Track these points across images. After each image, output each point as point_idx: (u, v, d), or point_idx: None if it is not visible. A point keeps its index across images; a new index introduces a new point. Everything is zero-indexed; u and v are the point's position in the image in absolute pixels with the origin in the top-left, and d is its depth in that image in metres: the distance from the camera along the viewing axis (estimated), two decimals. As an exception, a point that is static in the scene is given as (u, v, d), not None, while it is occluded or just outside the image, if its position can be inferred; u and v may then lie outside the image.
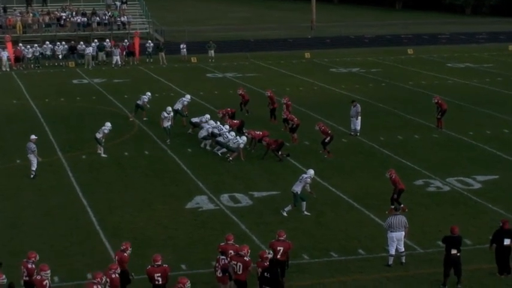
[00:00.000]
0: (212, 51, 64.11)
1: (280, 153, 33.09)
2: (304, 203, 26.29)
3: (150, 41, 65.88)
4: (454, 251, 20.40)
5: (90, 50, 61.61)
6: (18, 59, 60.82)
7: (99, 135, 34.18)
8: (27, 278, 18.45)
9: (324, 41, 76.22)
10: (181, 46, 64.84)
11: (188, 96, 41.02)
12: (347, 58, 65.19)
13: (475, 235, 23.94)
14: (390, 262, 21.93)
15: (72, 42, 64.51)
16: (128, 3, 78.38)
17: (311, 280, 20.50)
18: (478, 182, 29.64)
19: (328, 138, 33.85)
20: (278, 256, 20.01)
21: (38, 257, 18.98)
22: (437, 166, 31.78)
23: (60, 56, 61.98)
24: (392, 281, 21.00)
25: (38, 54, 61.19)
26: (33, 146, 30.77)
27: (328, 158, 33.42)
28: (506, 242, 21.00)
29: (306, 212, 26.15)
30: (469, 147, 35.20)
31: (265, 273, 18.61)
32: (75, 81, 54.45)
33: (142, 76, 56.61)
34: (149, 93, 42.22)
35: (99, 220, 25.76)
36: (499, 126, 38.74)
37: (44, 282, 17.73)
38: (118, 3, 76.67)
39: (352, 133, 37.09)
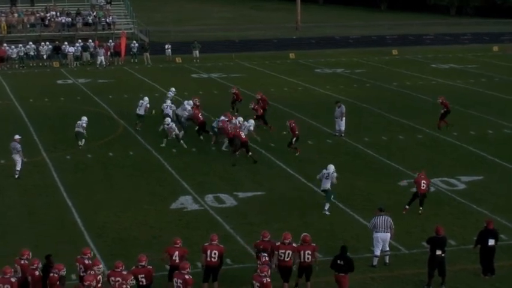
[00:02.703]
0: (197, 52, 64.04)
1: (249, 154, 32.91)
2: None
3: (135, 41, 65.73)
4: (438, 252, 20.46)
5: (72, 50, 61.40)
6: (3, 59, 60.53)
7: (80, 130, 34.96)
8: (84, 274, 18.55)
9: (308, 41, 76.38)
10: (166, 46, 64.74)
11: (173, 89, 42.35)
12: (332, 59, 65.28)
13: (459, 235, 24.03)
14: (375, 263, 21.98)
15: (57, 42, 64.28)
16: (113, 3, 78.32)
17: (296, 280, 20.47)
18: (463, 183, 29.74)
19: (294, 139, 33.89)
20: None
21: (92, 254, 19.55)
22: (422, 167, 31.78)
23: (44, 56, 61.78)
24: (377, 281, 21.05)
25: (22, 54, 60.98)
26: (18, 145, 30.74)
27: (298, 154, 33.61)
28: (491, 242, 21.08)
29: (327, 212, 26.47)
30: (453, 148, 35.32)
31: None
32: (59, 82, 54.28)
33: (127, 76, 56.50)
34: (173, 89, 42.78)
35: (83, 220, 25.69)
36: (483, 127, 38.89)
37: (98, 278, 17.99)
38: (103, 4, 76.53)
39: (337, 134, 37.14)
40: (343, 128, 37.07)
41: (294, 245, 19.93)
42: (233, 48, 70.88)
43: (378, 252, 22.00)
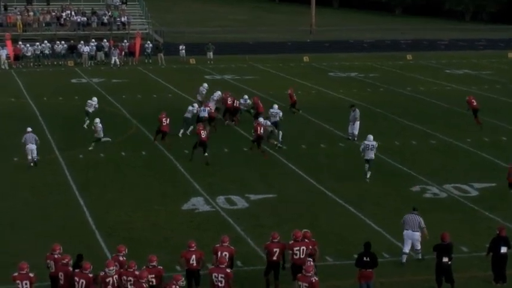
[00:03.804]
0: (211, 53, 64.09)
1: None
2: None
3: (149, 42, 65.84)
4: (445, 259, 20.35)
5: (87, 49, 61.59)
6: (18, 57, 60.77)
7: (89, 109, 38.92)
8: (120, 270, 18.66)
9: (322, 45, 76.28)
10: (180, 47, 64.83)
11: (206, 85, 43.75)
12: (345, 62, 65.21)
13: (471, 242, 23.92)
14: (403, 260, 22.30)
15: (72, 41, 64.48)
16: (128, 3, 78.42)
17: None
18: (475, 189, 29.62)
19: (255, 137, 34.05)
20: (274, 258, 20.02)
21: (126, 251, 19.47)
22: (435, 172, 31.76)
23: (59, 55, 61.96)
24: (387, 286, 20.97)
25: (38, 52, 61.20)
26: (35, 136, 32.33)
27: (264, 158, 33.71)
28: (503, 249, 20.96)
29: (368, 180, 30.42)
30: (466, 154, 35.20)
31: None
32: (74, 81, 54.42)
33: (141, 77, 56.58)
34: (206, 85, 43.93)
35: (95, 219, 25.73)
36: (497, 134, 38.75)
37: (107, 280, 18.05)
38: (118, 4, 76.68)
39: (350, 137, 37.07)
40: (356, 132, 37.00)
41: (307, 240, 20.05)
42: (247, 50, 70.88)
43: (405, 250, 22.30)
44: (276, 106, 37.57)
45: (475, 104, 40.43)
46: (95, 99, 39.74)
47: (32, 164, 31.90)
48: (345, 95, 48.96)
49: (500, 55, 71.51)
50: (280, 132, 36.49)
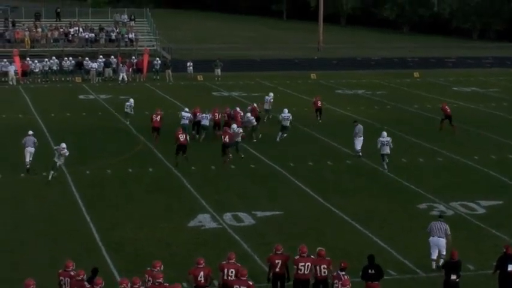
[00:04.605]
0: (219, 70, 64.19)
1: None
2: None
3: (157, 59, 66.05)
4: (453, 277, 20.33)
5: (95, 66, 61.81)
6: (25, 73, 61.01)
7: (128, 110, 43.35)
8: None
9: (330, 62, 76.38)
10: (188, 64, 65.01)
11: (271, 94, 46.80)
12: (353, 80, 65.27)
13: (477, 260, 23.86)
14: (433, 266, 22.88)
15: (80, 57, 64.73)
16: (136, 20, 78.76)
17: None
18: (482, 207, 29.57)
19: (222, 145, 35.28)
20: (277, 269, 20.05)
21: (162, 266, 19.47)
22: (441, 190, 31.72)
23: (67, 71, 62.17)
24: (394, 303, 20.94)
25: (46, 68, 61.45)
26: (34, 139, 33.70)
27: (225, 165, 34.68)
28: (510, 267, 20.88)
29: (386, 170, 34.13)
30: (473, 172, 35.15)
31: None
32: (81, 97, 54.58)
33: (149, 93, 56.70)
34: (272, 94, 46.94)
35: (101, 235, 25.74)
36: (504, 151, 38.70)
37: None
38: (126, 20, 77.03)
39: (359, 154, 37.03)
40: (358, 147, 37.04)
41: (312, 257, 20.03)
42: (254, 67, 71.03)
43: (433, 256, 22.96)
44: (286, 110, 40.53)
45: (449, 111, 43.35)
46: (131, 100, 44.51)
47: (28, 166, 33.05)
48: (352, 112, 48.98)
49: (508, 73, 71.54)
50: (285, 134, 39.97)
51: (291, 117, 40.29)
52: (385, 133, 35.30)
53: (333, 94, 57.41)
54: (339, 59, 78.07)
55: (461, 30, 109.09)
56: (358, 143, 37.08)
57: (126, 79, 60.92)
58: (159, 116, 39.54)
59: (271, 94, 46.88)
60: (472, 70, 73.86)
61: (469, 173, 34.92)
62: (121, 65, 62.00)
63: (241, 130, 37.00)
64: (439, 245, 22.99)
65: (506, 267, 20.88)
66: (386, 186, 32.38)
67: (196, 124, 40.49)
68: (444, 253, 22.92)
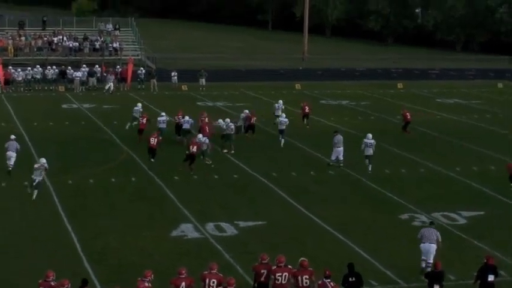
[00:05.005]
0: (203, 80, 64.20)
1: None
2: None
3: (142, 68, 66.00)
4: (436, 287, 20.42)
5: (79, 75, 61.68)
6: (8, 81, 60.80)
7: (136, 115, 43.73)
8: None
9: (315, 72, 76.55)
10: (172, 74, 65.01)
11: (281, 101, 49.23)
12: (337, 90, 65.47)
13: (459, 270, 23.93)
14: (423, 265, 23.37)
15: (63, 66, 64.60)
16: (121, 29, 78.67)
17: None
18: (464, 218, 29.69)
19: (187, 155, 35.49)
20: (262, 279, 20.06)
21: (152, 276, 19.60)
22: (423, 201, 31.84)
23: (50, 80, 62.02)
24: (375, 314, 20.98)
25: (30, 77, 61.27)
26: (17, 144, 34.41)
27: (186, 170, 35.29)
28: (490, 278, 21.01)
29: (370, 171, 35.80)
30: (455, 183, 35.30)
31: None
32: (64, 106, 54.48)
33: (132, 103, 56.42)
34: (281, 101, 49.38)
35: (83, 245, 25.65)
36: (486, 163, 38.89)
37: None
38: (110, 30, 76.95)
39: (332, 163, 37.28)
40: (340, 157, 37.31)
41: (290, 267, 20.02)
42: (239, 78, 71.11)
43: (424, 258, 23.50)
44: (284, 115, 43.40)
45: (409, 118, 46.08)
46: (139, 104, 46.20)
47: (9, 168, 33.91)
48: (336, 122, 49.10)
49: (490, 85, 71.97)
50: (283, 139, 41.88)
51: (287, 121, 42.68)
52: (370, 135, 36.86)
53: (317, 104, 57.49)
54: (324, 70, 78.27)
55: (445, 42, 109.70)
56: (335, 153, 37.27)
57: (112, 88, 60.81)
58: (145, 119, 41.91)
59: (281, 101, 49.20)
60: (455, 82, 74.27)
61: (451, 184, 35.08)
62: (109, 74, 61.95)
63: (207, 140, 37.31)
64: (429, 252, 23.41)
65: (487, 278, 20.99)
66: (368, 197, 32.49)
67: (178, 128, 41.89)
68: (431, 261, 23.09)
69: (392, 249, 25.93)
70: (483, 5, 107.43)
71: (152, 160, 35.92)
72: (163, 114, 43.08)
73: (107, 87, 60.70)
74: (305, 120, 48.01)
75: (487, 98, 63.80)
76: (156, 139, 36.37)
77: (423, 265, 23.46)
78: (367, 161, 36.36)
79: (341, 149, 37.18)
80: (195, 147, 35.60)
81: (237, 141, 41.18)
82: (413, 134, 46.13)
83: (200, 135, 37.48)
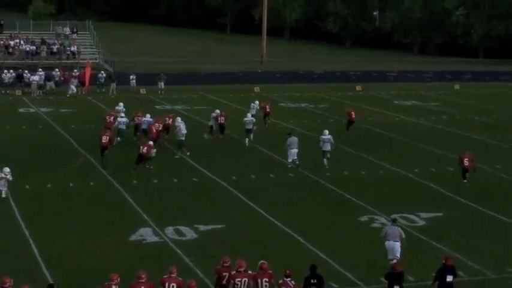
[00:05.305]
0: (162, 83, 63.99)
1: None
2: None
3: (102, 72, 65.65)
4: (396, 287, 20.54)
5: (36, 79, 61.13)
6: (-36, 85, 60.10)
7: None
8: None
9: (273, 75, 76.66)
10: (131, 77, 64.73)
11: (257, 102, 50.42)
12: (296, 93, 65.62)
13: (418, 271, 24.07)
14: (393, 261, 23.28)
15: (20, 70, 63.97)
16: (79, 33, 78.17)
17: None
18: (422, 219, 29.89)
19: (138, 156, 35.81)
20: (224, 282, 20.01)
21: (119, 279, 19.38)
22: (382, 202, 31.99)
23: (7, 84, 61.36)
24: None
25: (-14, 82, 60.67)
26: None
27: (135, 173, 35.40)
28: (449, 278, 21.14)
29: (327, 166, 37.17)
30: (413, 184, 35.54)
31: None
32: (21, 110, 53.93)
33: (90, 106, 56.28)
34: (258, 102, 50.64)
35: (40, 251, 25.38)
36: (443, 164, 39.19)
37: None
38: (68, 33, 76.40)
39: (290, 165, 37.41)
40: (295, 158, 37.46)
41: (250, 272, 19.93)
42: (198, 81, 70.99)
43: (390, 257, 23.81)
44: (249, 115, 44.16)
45: (353, 117, 46.56)
46: (121, 104, 47.00)
47: None
48: (295, 125, 49.21)
49: (447, 87, 72.63)
50: (247, 139, 42.79)
51: (254, 120, 43.83)
52: (326, 131, 38.27)
53: (276, 107, 57.49)
54: (283, 73, 78.42)
55: (403, 44, 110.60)
56: (290, 155, 37.43)
57: (75, 92, 60.43)
58: (112, 117, 42.85)
59: (257, 102, 50.31)
60: (413, 84, 74.86)
61: (410, 186, 35.31)
62: (72, 78, 61.60)
63: (151, 142, 37.11)
64: (394, 249, 23.84)
65: (445, 278, 21.12)
66: (328, 199, 32.58)
67: (136, 128, 42.34)
68: (399, 256, 23.61)
69: (352, 251, 26.02)
70: (440, 8, 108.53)
71: (104, 155, 36.56)
72: (124, 115, 43.20)
73: (70, 91, 60.37)
74: (266, 119, 49.22)
75: (444, 99, 64.39)
76: (108, 137, 36.97)
77: (394, 261, 23.57)
78: (325, 157, 37.60)
79: (295, 150, 37.33)
80: (145, 148, 35.64)
81: (197, 144, 41.14)
82: (372, 136, 46.38)
83: (151, 142, 37.25)
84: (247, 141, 42.76)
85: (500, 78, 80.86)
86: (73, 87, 60.60)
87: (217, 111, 45.04)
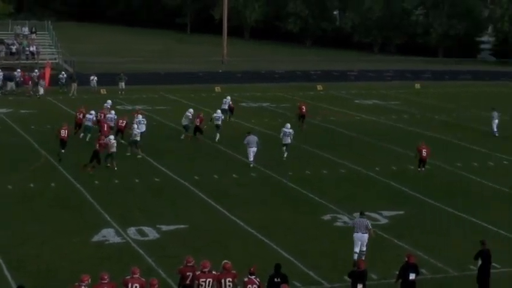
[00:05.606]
0: (123, 83, 63.69)
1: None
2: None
3: (64, 72, 65.20)
4: (359, 286, 20.60)
5: (-7, 79, 60.67)
6: None
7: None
8: None
9: (234, 75, 76.61)
10: (91, 78, 64.35)
11: (229, 97, 52.18)
12: (257, 93, 65.68)
13: (380, 269, 24.19)
14: (355, 257, 24.09)
15: (-22, 71, 63.29)
16: (37, 33, 77.47)
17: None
18: (384, 217, 30.06)
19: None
20: (187, 282, 19.93)
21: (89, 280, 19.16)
22: (345, 201, 32.13)
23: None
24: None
25: None
26: None
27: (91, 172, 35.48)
28: (412, 276, 21.26)
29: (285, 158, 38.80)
30: (375, 183, 35.74)
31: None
32: (-20, 111, 53.38)
33: (50, 107, 55.82)
34: (229, 97, 52.58)
35: (1, 253, 25.08)
36: (404, 162, 39.45)
37: None
38: (27, 33, 75.72)
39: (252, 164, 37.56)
40: (250, 158, 37.67)
41: (214, 272, 19.88)
42: (158, 81, 70.74)
43: (356, 250, 24.38)
44: (219, 111, 45.57)
45: (304, 111, 48.56)
46: (109, 101, 48.49)
47: None
48: (256, 124, 49.23)
49: (408, 86, 73.17)
50: (218, 134, 43.72)
51: (222, 117, 45.32)
52: (288, 125, 40.07)
53: (238, 107, 57.42)
54: (243, 72, 78.40)
55: (363, 44, 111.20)
56: (249, 154, 37.54)
57: (42, 92, 60.04)
58: (82, 114, 43.62)
59: (229, 97, 52.26)
60: (374, 83, 75.29)
61: (371, 184, 35.50)
62: (41, 79, 61.25)
63: (114, 142, 36.96)
64: (362, 240, 24.42)
65: (408, 276, 21.24)
66: (290, 198, 32.62)
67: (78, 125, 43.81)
68: (365, 249, 24.21)
69: (315, 249, 26.08)
70: (399, 8, 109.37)
71: (62, 151, 37.35)
72: (93, 112, 43.49)
73: (40, 92, 60.30)
74: (230, 115, 50.82)
75: (405, 98, 64.86)
76: (66, 131, 38.17)
77: (355, 257, 24.03)
78: (284, 148, 39.18)
79: (254, 149, 37.42)
80: (98, 144, 36.07)
81: (158, 144, 41.05)
82: (333, 135, 46.58)
83: (112, 137, 37.54)
84: (217, 137, 43.48)
85: (460, 77, 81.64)
86: (41, 88, 60.21)
87: (191, 110, 45.29)
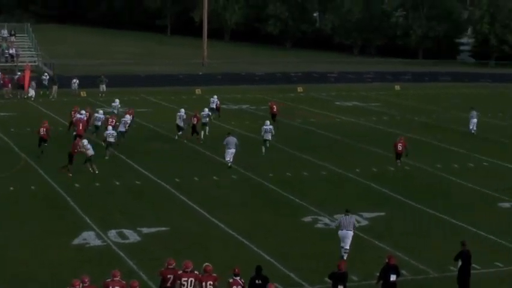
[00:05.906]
0: (103, 86, 63.61)
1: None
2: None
3: (46, 74, 65.02)
4: (340, 287, 20.63)
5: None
6: None
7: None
8: None
9: (215, 77, 76.58)
10: (73, 81, 64.27)
11: (215, 96, 53.55)
12: (237, 95, 65.69)
13: (361, 271, 24.25)
14: (344, 257, 24.55)
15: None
16: (17, 35, 77.10)
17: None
18: (365, 219, 30.12)
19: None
20: (168, 284, 19.92)
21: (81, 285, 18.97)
22: (325, 203, 32.17)
23: None
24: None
25: None
26: None
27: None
28: (393, 278, 21.33)
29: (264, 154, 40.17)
30: (356, 184, 35.81)
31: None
32: (-41, 114, 53.08)
33: (30, 110, 55.58)
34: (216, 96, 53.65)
35: (-19, 257, 25.01)
36: (384, 164, 39.56)
37: None
38: (6, 35, 75.34)
39: (230, 164, 37.70)
40: (229, 158, 37.80)
41: (196, 272, 19.89)
42: (139, 83, 70.58)
43: (345, 246, 24.98)
44: (206, 109, 46.43)
45: (275, 110, 49.66)
46: (117, 100, 51.58)
47: None
48: (236, 126, 49.23)
49: (388, 87, 73.41)
50: (207, 129, 45.32)
51: (210, 113, 46.82)
52: (268, 122, 42.56)
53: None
54: (224, 74, 78.39)
55: (343, 46, 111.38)
56: (227, 154, 37.65)
57: (34, 94, 59.95)
58: (76, 113, 43.96)
59: (215, 96, 53.41)
60: (354, 85, 75.49)
61: (351, 186, 35.58)
62: (33, 82, 61.02)
63: (89, 146, 36.42)
64: (347, 238, 24.90)
65: (389, 277, 21.31)
66: (270, 200, 32.64)
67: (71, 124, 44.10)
68: (348, 247, 24.64)
69: (295, 251, 26.10)
70: (379, 10, 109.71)
71: (41, 146, 38.08)
72: (83, 112, 44.06)
73: (30, 94, 60.18)
74: (218, 114, 52.15)
75: (385, 100, 65.07)
76: (45, 129, 38.83)
77: (342, 253, 24.49)
78: (265, 145, 40.87)
79: (232, 150, 37.49)
80: (74, 147, 35.98)
81: (139, 147, 40.98)
82: (313, 137, 46.65)
83: (85, 141, 36.82)
84: (202, 134, 44.49)
85: (440, 79, 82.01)
86: (32, 90, 60.07)
87: (182, 110, 45.95)
